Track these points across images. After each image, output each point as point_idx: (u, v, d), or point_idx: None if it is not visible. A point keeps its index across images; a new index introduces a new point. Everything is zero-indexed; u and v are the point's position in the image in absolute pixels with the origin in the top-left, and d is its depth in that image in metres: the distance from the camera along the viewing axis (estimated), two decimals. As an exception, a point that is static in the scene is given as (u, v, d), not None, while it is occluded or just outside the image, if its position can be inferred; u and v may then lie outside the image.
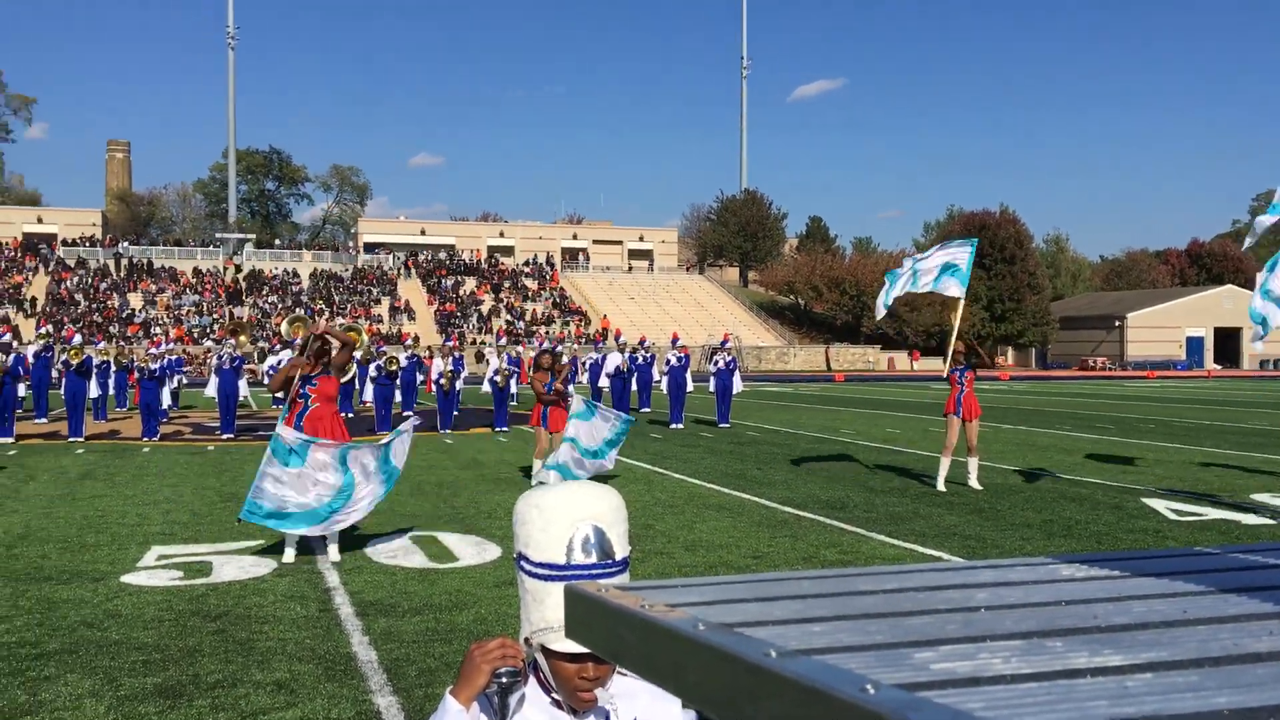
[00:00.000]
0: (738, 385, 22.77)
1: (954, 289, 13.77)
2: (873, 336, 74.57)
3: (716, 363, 22.89)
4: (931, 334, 68.38)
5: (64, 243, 72.63)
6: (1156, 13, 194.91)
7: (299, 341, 10.77)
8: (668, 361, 23.18)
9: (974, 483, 12.85)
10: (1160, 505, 11.52)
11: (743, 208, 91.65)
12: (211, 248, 75.68)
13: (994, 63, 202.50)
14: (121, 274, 68.61)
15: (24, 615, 6.87)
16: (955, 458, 12.98)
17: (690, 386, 23.11)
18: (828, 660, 0.66)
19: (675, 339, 25.01)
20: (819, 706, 0.59)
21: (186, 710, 5.10)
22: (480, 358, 53.80)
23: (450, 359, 22.40)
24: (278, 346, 28.31)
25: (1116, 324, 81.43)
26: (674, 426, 21.83)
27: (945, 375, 13.42)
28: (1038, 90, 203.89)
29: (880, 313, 14.93)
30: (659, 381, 24.81)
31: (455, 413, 22.32)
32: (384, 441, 9.05)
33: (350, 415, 24.01)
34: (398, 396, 23.18)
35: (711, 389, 22.92)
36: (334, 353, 9.59)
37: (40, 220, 78.10)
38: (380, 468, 8.84)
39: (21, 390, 20.80)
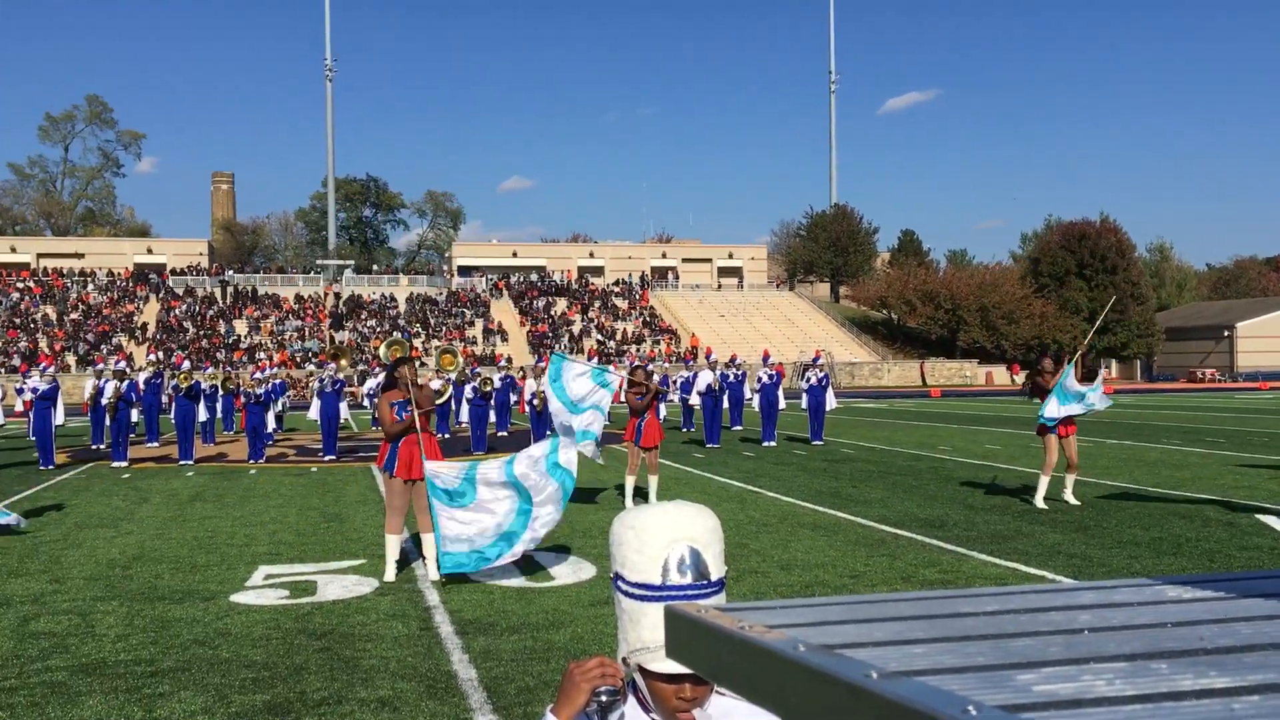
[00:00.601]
0: (831, 402, 22.56)
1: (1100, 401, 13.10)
2: (969, 351, 73.22)
3: (809, 379, 22.71)
4: (1031, 347, 66.82)
5: (173, 272, 75.34)
6: (1260, 9, 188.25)
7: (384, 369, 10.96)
8: (759, 379, 23.07)
9: (1069, 497, 12.55)
10: (1275, 522, 11.08)
11: (833, 222, 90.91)
12: (312, 274, 77.72)
13: (1092, 68, 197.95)
14: (227, 301, 70.86)
15: (139, 634, 7.12)
16: (1055, 474, 12.68)
17: (782, 404, 22.96)
18: (929, 682, 0.66)
19: (766, 356, 24.89)
20: (921, 727, 0.60)
21: (294, 726, 5.23)
22: (573, 378, 54.24)
23: (542, 379, 22.62)
24: (376, 369, 28.92)
25: (1225, 334, 78.65)
26: (766, 444, 21.71)
27: (1026, 389, 13.12)
28: (1138, 95, 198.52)
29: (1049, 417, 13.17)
30: (750, 399, 24.70)
31: (548, 432, 22.49)
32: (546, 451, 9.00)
33: (446, 436, 24.40)
34: (492, 417, 23.49)
35: (804, 406, 22.74)
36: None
37: (150, 251, 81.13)
38: (549, 467, 8.81)
39: (134, 415, 21.58)
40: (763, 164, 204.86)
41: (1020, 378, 68.14)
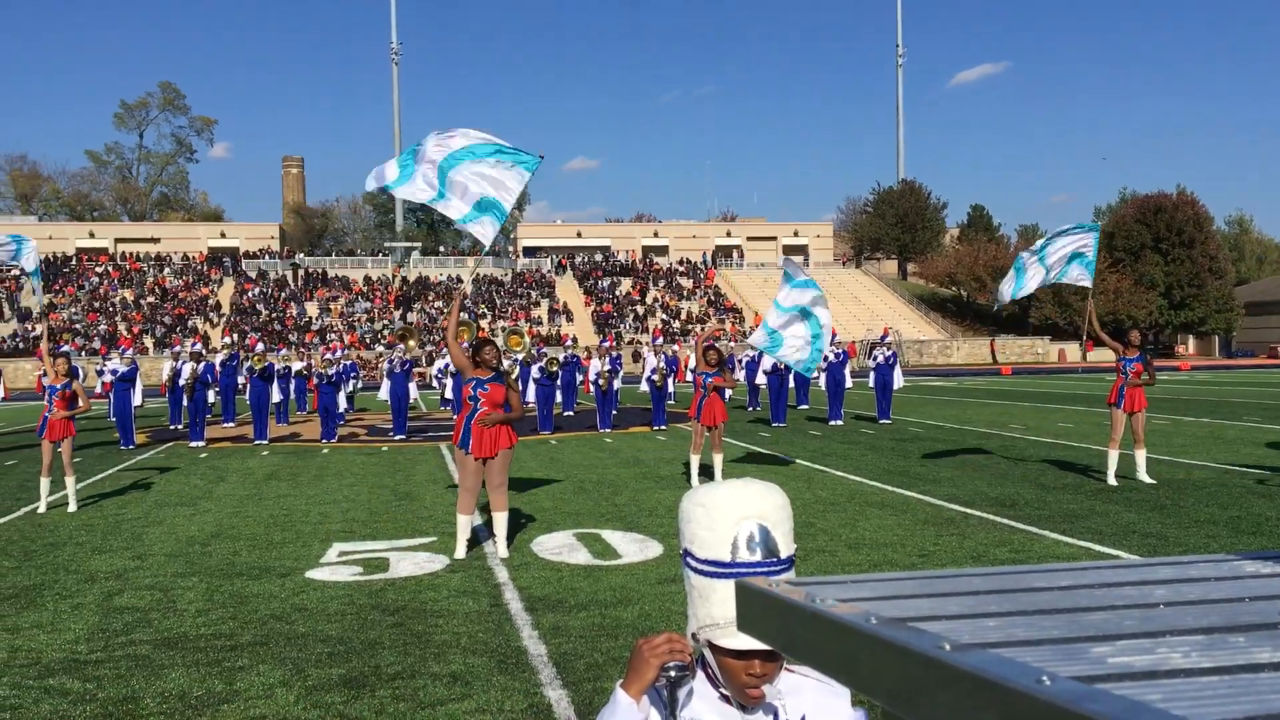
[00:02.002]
0: (898, 380, 22.34)
1: (1083, 278, 13.69)
2: (1041, 327, 71.94)
3: (876, 358, 22.50)
4: (1105, 323, 65.48)
5: (245, 255, 76.83)
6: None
7: (466, 345, 11.09)
8: (825, 357, 22.91)
9: (1142, 476, 12.33)
10: (1362, 501, 10.76)
11: (900, 198, 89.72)
12: (380, 256, 78.75)
13: (1165, 38, 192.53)
14: (298, 284, 72.08)
15: (219, 609, 7.32)
16: (1123, 450, 12.45)
17: (849, 383, 22.80)
18: (1002, 653, 0.67)
19: (833, 334, 24.71)
20: (994, 698, 0.60)
21: (369, 700, 5.34)
22: (637, 357, 54.30)
23: (607, 359, 22.72)
24: (444, 350, 29.25)
25: (1309, 308, 76.27)
26: (833, 423, 21.58)
27: (1087, 347, 12.89)
28: (1214, 65, 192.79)
29: (1004, 299, 14.63)
30: (817, 378, 24.55)
31: (614, 412, 22.63)
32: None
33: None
34: (558, 396, 23.64)
35: (871, 384, 22.55)
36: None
37: (223, 235, 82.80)
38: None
39: (211, 396, 22.09)
40: (828, 140, 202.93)
41: (1093, 355, 66.85)
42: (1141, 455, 12.56)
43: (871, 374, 22.49)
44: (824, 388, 22.84)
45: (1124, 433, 12.54)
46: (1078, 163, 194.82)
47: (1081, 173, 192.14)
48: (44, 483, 12.06)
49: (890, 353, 22.53)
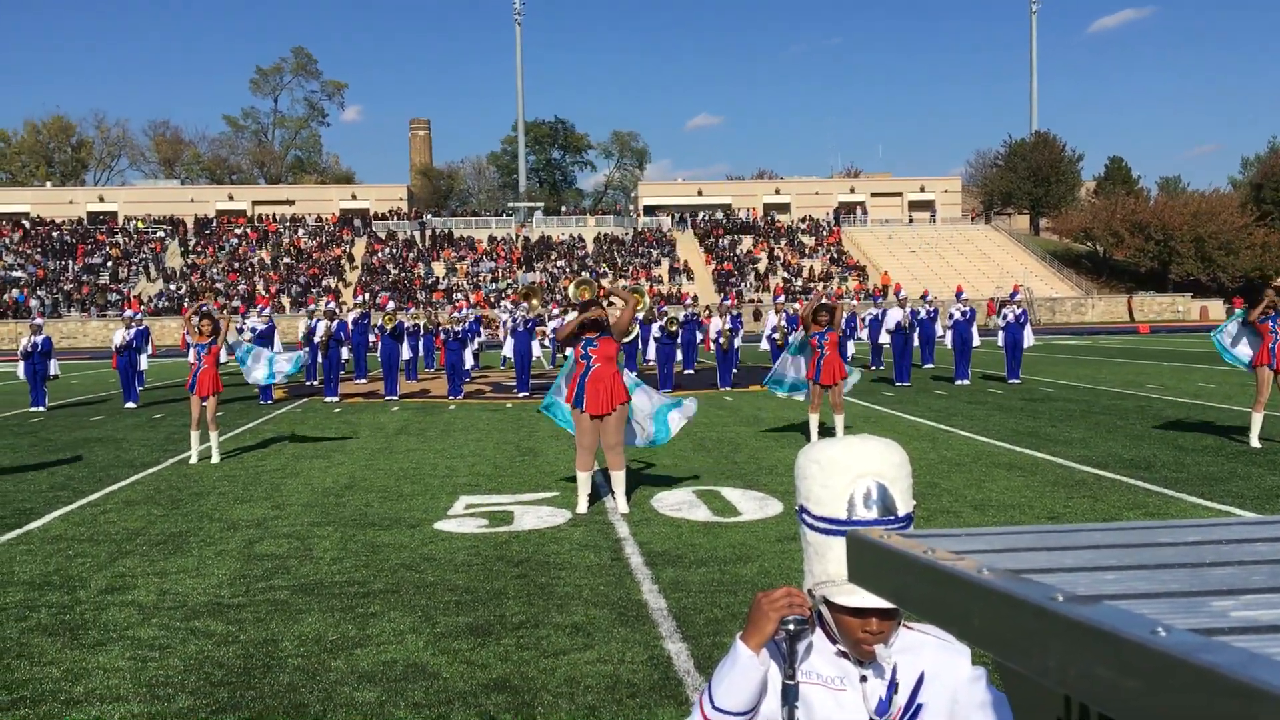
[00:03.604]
0: (1029, 339, 21.69)
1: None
2: (1182, 284, 68.88)
3: (1005, 316, 21.90)
4: (1252, 280, 62.29)
5: (375, 217, 78.80)
6: None
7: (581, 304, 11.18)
8: (951, 315, 22.41)
9: (1294, 438, 11.75)
10: None
11: (1033, 151, 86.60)
12: (504, 216, 79.82)
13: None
14: (426, 244, 73.68)
15: (352, 558, 7.60)
16: (1270, 412, 11.87)
17: (977, 341, 22.25)
18: (1118, 605, 0.65)
19: (960, 292, 24.14)
20: (1107, 649, 0.59)
21: (495, 648, 5.49)
22: (758, 315, 54.00)
23: (728, 317, 22.65)
24: (555, 311, 29.60)
25: None
26: (959, 383, 21.13)
27: (1251, 320, 12.25)
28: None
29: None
30: (943, 337, 24.04)
31: (734, 370, 22.58)
32: (666, 404, 9.62)
33: (634, 374, 24.77)
34: (679, 355, 23.69)
35: (1000, 343, 21.98)
36: (619, 314, 9.85)
37: (354, 197, 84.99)
38: (655, 414, 9.47)
39: (344, 353, 22.83)
40: (957, 92, 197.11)
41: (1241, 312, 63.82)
42: (1290, 417, 12.00)
43: (1000, 333, 21.89)
44: (950, 346, 22.35)
45: (1270, 394, 11.95)
46: (1224, 112, 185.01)
47: (1228, 122, 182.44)
48: (193, 435, 12.69)
49: (1020, 311, 21.89)
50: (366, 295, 58.31)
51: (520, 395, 20.81)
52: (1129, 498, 9.15)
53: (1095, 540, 0.89)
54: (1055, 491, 9.49)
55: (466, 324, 22.88)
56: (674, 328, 22.51)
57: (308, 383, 23.95)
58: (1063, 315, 64.10)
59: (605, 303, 10.21)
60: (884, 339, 24.90)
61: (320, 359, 21.48)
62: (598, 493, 9.74)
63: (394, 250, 72.16)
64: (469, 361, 23.53)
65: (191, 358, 13.10)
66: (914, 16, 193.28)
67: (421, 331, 25.53)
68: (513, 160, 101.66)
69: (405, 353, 22.96)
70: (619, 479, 9.17)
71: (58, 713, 4.73)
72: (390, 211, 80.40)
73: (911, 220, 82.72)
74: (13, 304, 60.98)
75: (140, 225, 74.78)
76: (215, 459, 12.53)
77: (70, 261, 68.60)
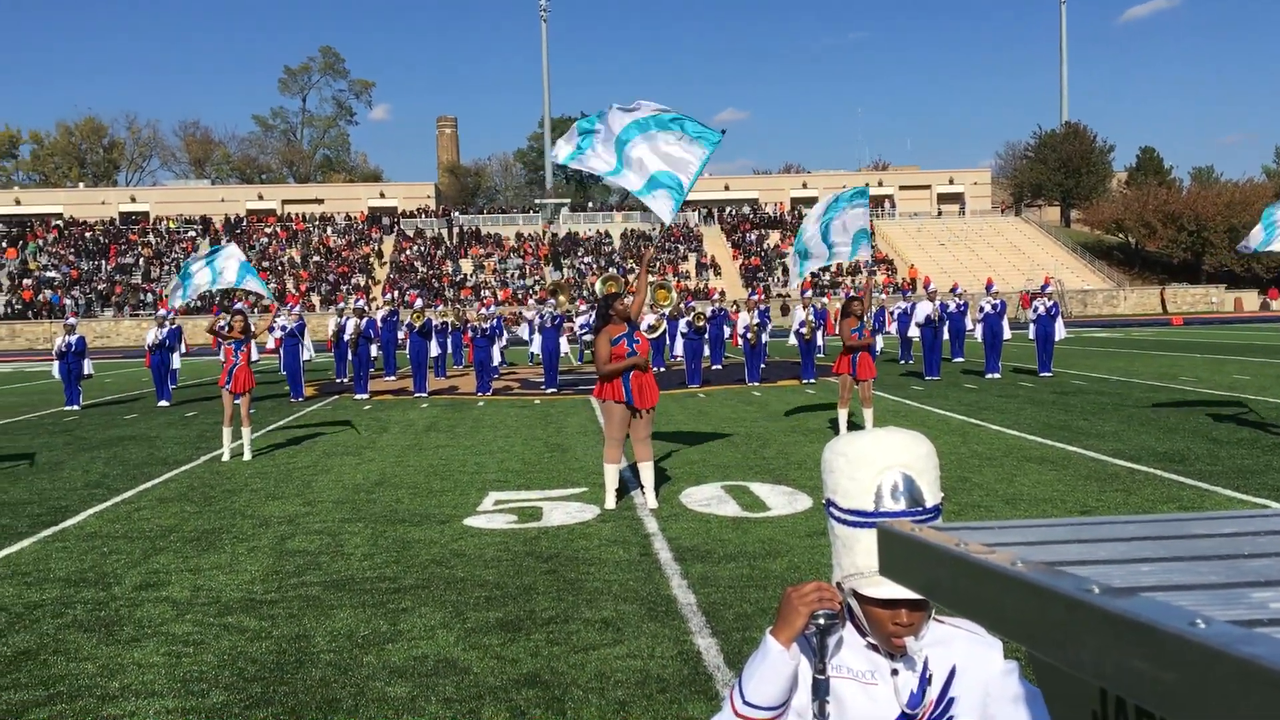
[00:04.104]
0: (1060, 332, 21.51)
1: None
2: (1216, 275, 68.06)
3: (1036, 308, 21.72)
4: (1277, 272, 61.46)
5: (403, 214, 79.18)
6: None
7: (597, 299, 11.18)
8: (981, 308, 22.26)
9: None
10: None
11: (1063, 142, 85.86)
12: (531, 213, 79.99)
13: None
14: (453, 241, 73.95)
15: (383, 553, 7.64)
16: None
17: (1008, 334, 22.08)
18: (1155, 597, 0.64)
19: (990, 285, 23.96)
20: (1144, 641, 0.58)
21: (525, 643, 5.51)
22: (785, 310, 53.84)
23: (755, 312, 22.59)
24: (582, 308, 29.62)
25: None
26: (990, 376, 20.99)
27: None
28: None
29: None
30: (972, 330, 23.88)
31: (762, 365, 22.53)
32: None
33: (661, 370, 24.79)
34: (706, 350, 23.66)
35: (1031, 336, 21.81)
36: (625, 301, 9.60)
37: (382, 195, 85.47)
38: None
39: (374, 351, 22.96)
40: (985, 84, 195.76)
41: (1277, 303, 62.94)
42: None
43: (1031, 325, 21.72)
44: (980, 339, 22.20)
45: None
46: (1256, 100, 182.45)
47: (1260, 111, 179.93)
48: (226, 432, 12.80)
49: (1051, 303, 21.71)
50: (395, 293, 58.60)
51: (548, 391, 20.85)
52: (1163, 491, 9.06)
53: (1130, 533, 0.88)
54: (1088, 485, 9.40)
55: (494, 321, 22.96)
56: (701, 323, 22.48)
57: (337, 380, 24.09)
58: (1094, 307, 63.53)
59: (629, 296, 10.12)
60: (913, 332, 24.75)
61: (350, 357, 21.60)
62: (625, 488, 9.74)
63: (422, 248, 72.47)
64: (497, 358, 23.60)
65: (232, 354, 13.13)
66: (941, 8, 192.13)
67: (450, 329, 25.64)
68: (539, 157, 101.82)
69: (434, 350, 23.06)
70: (647, 470, 9.16)
71: (94, 708, 4.79)
72: (418, 209, 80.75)
73: (940, 213, 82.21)
74: (47, 304, 61.73)
75: (171, 225, 75.48)
76: (247, 456, 12.63)
77: (103, 261, 69.34)
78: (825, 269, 66.56)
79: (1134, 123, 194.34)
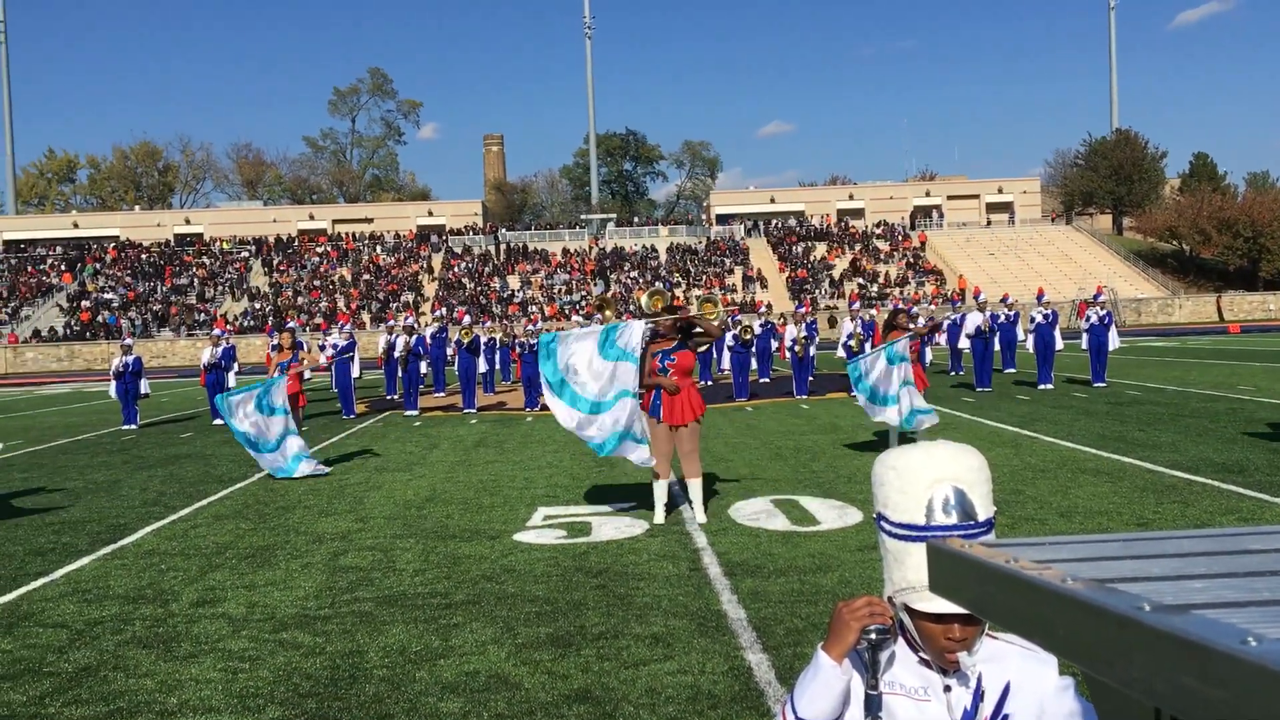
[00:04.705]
0: (1114, 341, 21.20)
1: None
2: (1273, 281, 66.70)
3: (1089, 318, 21.43)
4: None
5: (451, 232, 79.86)
6: None
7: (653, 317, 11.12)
8: (1033, 318, 21.99)
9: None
10: None
11: (1114, 149, 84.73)
12: (577, 229, 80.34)
13: None
14: (501, 258, 74.45)
15: (434, 569, 7.70)
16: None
17: (1060, 344, 21.80)
18: (1206, 615, 0.64)
19: (1041, 294, 23.67)
20: (1195, 659, 0.58)
21: (575, 659, 5.52)
22: (833, 322, 53.53)
23: (803, 325, 22.49)
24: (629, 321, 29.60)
25: None
26: (1042, 387, 20.72)
27: None
28: None
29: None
30: (1024, 340, 23.60)
31: (810, 378, 22.42)
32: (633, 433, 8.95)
33: (708, 383, 24.76)
34: (753, 364, 23.59)
35: (1084, 346, 21.51)
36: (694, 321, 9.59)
37: (430, 213, 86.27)
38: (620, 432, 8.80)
39: (423, 367, 23.15)
40: (1034, 92, 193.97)
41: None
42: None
43: (1084, 335, 21.42)
44: (1032, 350, 21.93)
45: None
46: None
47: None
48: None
49: (1105, 312, 21.40)
50: (444, 310, 59.07)
51: (596, 406, 20.85)
52: (1221, 503, 8.88)
53: (1182, 548, 0.88)
54: (1144, 497, 9.25)
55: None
56: (748, 336, 22.41)
57: (388, 397, 24.32)
58: (1149, 316, 62.51)
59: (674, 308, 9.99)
60: (963, 344, 24.52)
61: (400, 373, 21.80)
62: (674, 502, 9.73)
63: (469, 265, 73.02)
64: (545, 374, 23.61)
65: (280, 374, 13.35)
66: (988, 16, 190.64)
67: (498, 344, 25.79)
68: (585, 173, 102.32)
69: (482, 366, 23.21)
70: (696, 487, 9.15)
71: (154, 722, 4.86)
72: (465, 227, 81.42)
73: (989, 223, 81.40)
74: (104, 325, 62.98)
75: (225, 246, 76.75)
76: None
77: (159, 283, 70.63)
78: (874, 281, 66.14)
79: (1186, 129, 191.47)
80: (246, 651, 5.87)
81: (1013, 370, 25.02)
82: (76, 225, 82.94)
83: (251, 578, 7.64)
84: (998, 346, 23.93)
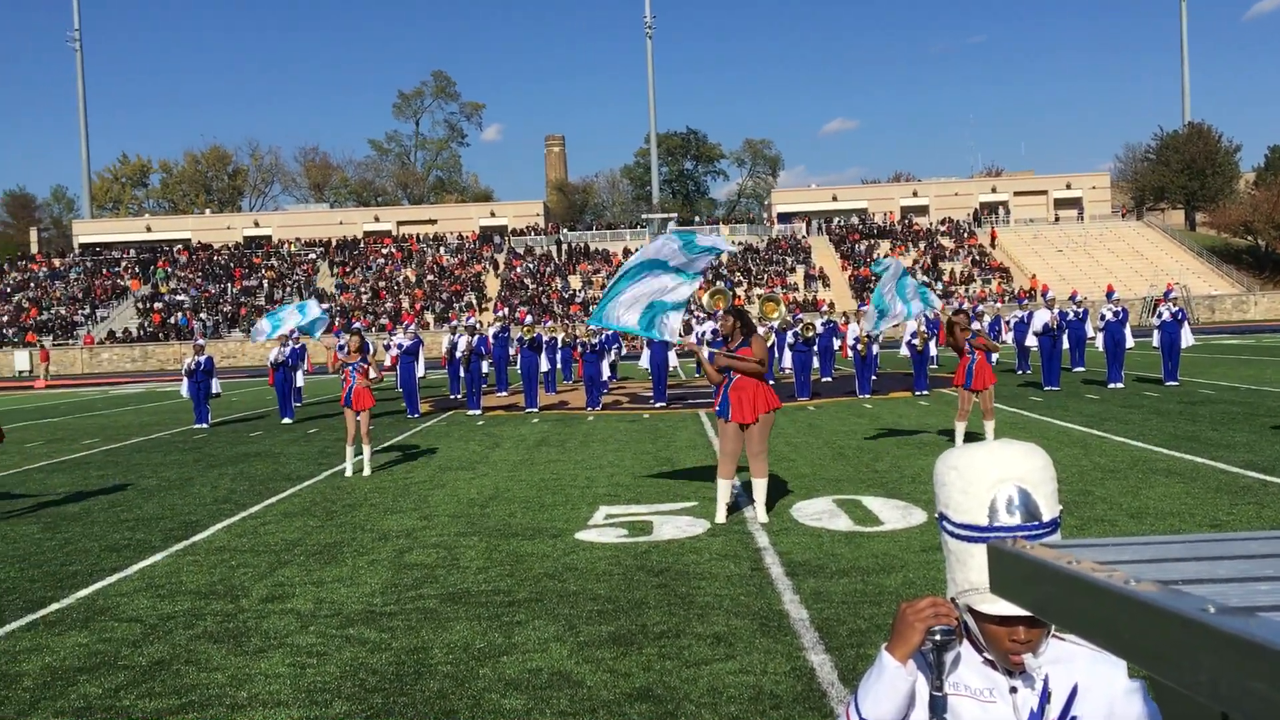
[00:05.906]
0: (1187, 339, 20.73)
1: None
2: (1355, 277, 64.67)
3: (1161, 315, 20.97)
4: None
5: (513, 233, 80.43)
6: None
7: (719, 313, 11.17)
8: (1102, 316, 21.57)
9: None
10: None
11: (1186, 143, 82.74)
12: (638, 229, 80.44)
13: None
14: (562, 258, 74.82)
15: (497, 567, 7.77)
16: None
17: (1130, 343, 21.36)
18: (1274, 618, 0.63)
19: (1110, 291, 23.22)
20: (1261, 663, 0.57)
21: (637, 657, 5.53)
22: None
23: (862, 323, 22.28)
24: (701, 316, 29.60)
25: None
26: (1112, 386, 20.32)
27: None
28: None
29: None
30: (1093, 338, 23.16)
31: (873, 377, 22.22)
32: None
33: (770, 383, 24.63)
34: (815, 362, 23.45)
35: (1156, 344, 21.05)
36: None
37: (493, 214, 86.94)
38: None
39: (485, 367, 23.35)
40: (1102, 85, 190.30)
41: None
42: None
43: (1156, 333, 20.97)
44: (1102, 348, 21.52)
45: None
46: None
47: None
48: (349, 449, 13.15)
49: (1178, 309, 20.94)
50: (505, 310, 59.52)
51: (657, 406, 20.91)
52: (1300, 505, 8.64)
53: (1249, 550, 0.86)
54: (1218, 498, 9.04)
55: (603, 336, 23.12)
56: (809, 334, 22.29)
57: (452, 396, 24.57)
58: (1223, 313, 61.00)
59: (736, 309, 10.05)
60: (1030, 341, 24.13)
61: (463, 373, 22.02)
62: (736, 502, 9.71)
63: (531, 265, 73.49)
64: (606, 373, 23.78)
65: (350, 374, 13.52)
66: (1058, 10, 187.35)
67: (560, 344, 25.91)
68: (646, 172, 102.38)
69: (544, 365, 23.35)
70: (760, 487, 9.13)
71: (223, 716, 4.97)
72: (527, 227, 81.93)
73: (1057, 219, 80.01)
74: (176, 326, 64.42)
75: (293, 248, 78.08)
76: (367, 472, 12.97)
77: (229, 284, 72.07)
78: (939, 279, 65.36)
79: (1261, 122, 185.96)
80: (314, 647, 5.98)
81: (1082, 369, 24.58)
82: (149, 229, 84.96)
83: (319, 574, 7.77)
84: (1066, 344, 23.52)
